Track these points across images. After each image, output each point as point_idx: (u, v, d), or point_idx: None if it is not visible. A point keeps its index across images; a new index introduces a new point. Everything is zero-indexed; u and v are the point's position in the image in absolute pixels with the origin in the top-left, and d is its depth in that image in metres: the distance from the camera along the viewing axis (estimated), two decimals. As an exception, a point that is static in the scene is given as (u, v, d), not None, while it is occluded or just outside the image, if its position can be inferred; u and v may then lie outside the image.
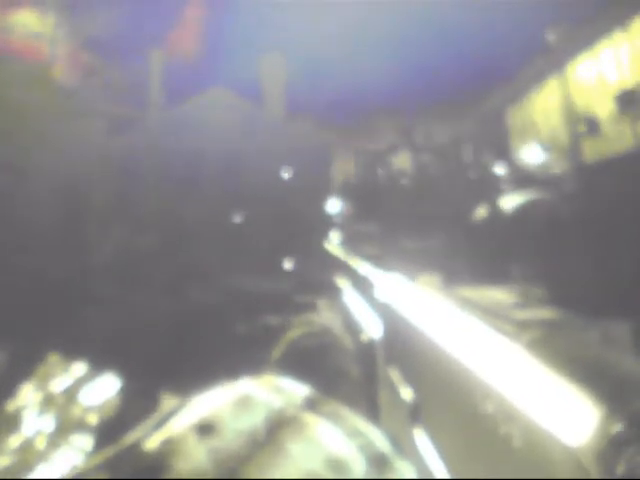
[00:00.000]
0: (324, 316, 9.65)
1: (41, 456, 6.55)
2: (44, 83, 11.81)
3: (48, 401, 7.26)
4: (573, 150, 10.74)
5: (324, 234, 12.20)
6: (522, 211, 8.87)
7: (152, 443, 2.22)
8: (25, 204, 9.81)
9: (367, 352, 6.49)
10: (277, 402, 2.44)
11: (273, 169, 12.96)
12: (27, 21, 12.59)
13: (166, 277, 9.91)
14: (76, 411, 7.29)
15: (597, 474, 2.04)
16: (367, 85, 12.62)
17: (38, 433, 6.83)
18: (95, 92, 13.08)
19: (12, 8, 12.43)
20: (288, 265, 11.42)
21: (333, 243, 11.95)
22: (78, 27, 13.25)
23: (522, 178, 11.53)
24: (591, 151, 10.43)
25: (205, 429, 2.27)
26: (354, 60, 12.31)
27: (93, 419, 7.26)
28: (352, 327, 8.32)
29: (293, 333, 8.41)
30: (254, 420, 2.35)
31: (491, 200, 10.18)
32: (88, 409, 7.37)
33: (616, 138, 9.86)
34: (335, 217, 12.64)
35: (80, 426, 7.11)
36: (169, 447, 2.18)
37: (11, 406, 7.05)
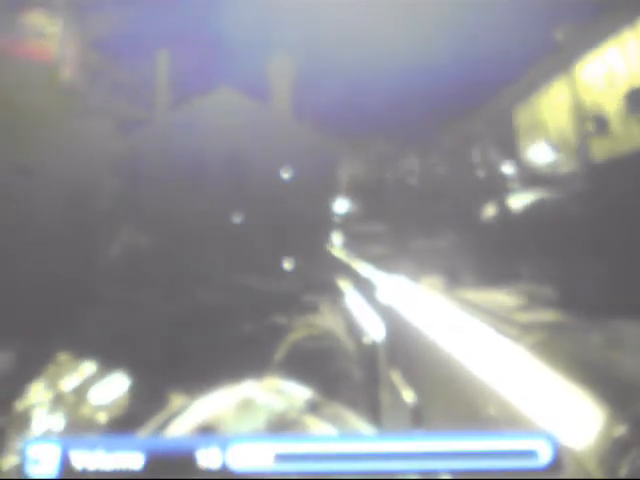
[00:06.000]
0: (326, 318, 9.62)
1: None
2: (52, 83, 11.88)
3: (58, 400, 7.30)
4: (582, 149, 10.67)
5: (328, 235, 12.19)
6: (530, 210, 8.84)
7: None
8: (31, 204, 9.88)
9: (369, 355, 6.48)
10: (279, 405, 2.45)
11: (279, 169, 12.96)
12: (35, 21, 12.67)
13: (172, 277, 9.95)
14: (86, 410, 7.33)
15: (600, 476, 2.03)
16: (374, 85, 12.59)
17: (48, 432, 6.87)
18: (102, 92, 13.14)
19: (20, 9, 12.52)
20: (288, 266, 11.42)
21: (336, 244, 11.94)
22: (86, 27, 13.32)
23: (530, 177, 11.46)
24: (600, 150, 10.35)
25: (207, 432, 2.28)
26: (362, 60, 12.29)
27: (103, 418, 7.30)
28: (354, 329, 8.30)
29: (295, 336, 8.40)
30: (256, 423, 2.36)
31: (499, 199, 10.15)
32: (98, 408, 7.40)
33: (625, 137, 9.78)
34: (340, 217, 12.62)
35: (90, 425, 7.15)
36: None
37: (21, 405, 7.10)
